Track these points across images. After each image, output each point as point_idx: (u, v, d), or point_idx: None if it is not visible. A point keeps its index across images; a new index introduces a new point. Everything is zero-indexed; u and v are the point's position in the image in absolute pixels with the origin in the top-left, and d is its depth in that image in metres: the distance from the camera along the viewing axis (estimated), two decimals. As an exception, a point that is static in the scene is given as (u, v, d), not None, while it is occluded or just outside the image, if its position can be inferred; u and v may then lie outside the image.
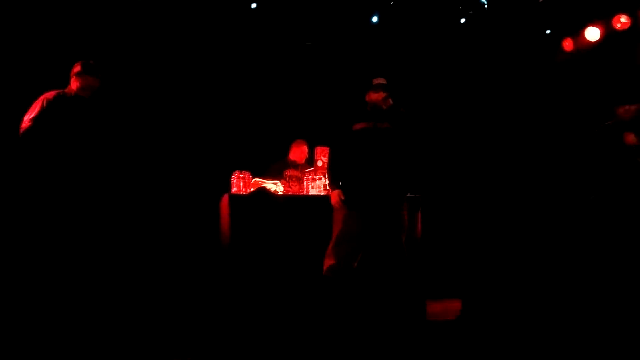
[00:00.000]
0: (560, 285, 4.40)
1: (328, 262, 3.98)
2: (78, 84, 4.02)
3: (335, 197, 4.00)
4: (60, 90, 4.05)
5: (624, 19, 5.52)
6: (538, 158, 6.01)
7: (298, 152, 5.31)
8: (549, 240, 5.18)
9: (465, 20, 5.86)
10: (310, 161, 5.09)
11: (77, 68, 4.04)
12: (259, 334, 3.72)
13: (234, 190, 4.48)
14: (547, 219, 5.53)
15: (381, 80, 4.16)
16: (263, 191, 4.43)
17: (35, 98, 4.02)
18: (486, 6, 5.72)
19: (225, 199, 4.47)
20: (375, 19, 5.74)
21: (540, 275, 4.62)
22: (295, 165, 5.26)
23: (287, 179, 4.97)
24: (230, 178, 4.52)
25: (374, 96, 4.12)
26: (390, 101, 4.11)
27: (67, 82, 4.08)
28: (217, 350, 3.37)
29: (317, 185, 4.57)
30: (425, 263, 4.42)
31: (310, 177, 4.65)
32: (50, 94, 4.01)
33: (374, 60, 5.96)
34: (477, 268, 5.03)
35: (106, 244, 4.06)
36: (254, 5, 5.39)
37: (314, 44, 5.84)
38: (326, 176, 4.26)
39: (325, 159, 4.79)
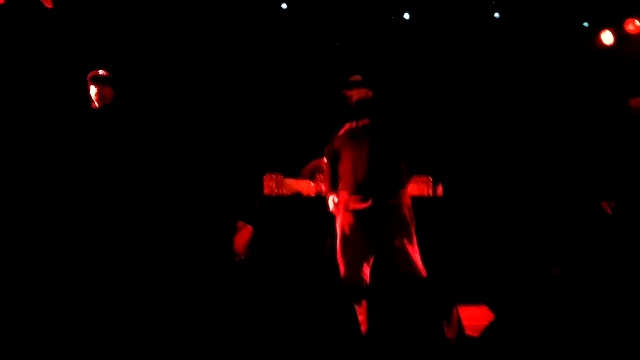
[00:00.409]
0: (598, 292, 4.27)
1: (341, 270, 3.86)
2: (91, 93, 4.06)
3: (329, 201, 3.89)
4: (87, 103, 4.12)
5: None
6: (569, 154, 5.85)
7: None
8: (584, 240, 5.05)
9: (500, 15, 5.72)
10: None
11: (88, 78, 4.09)
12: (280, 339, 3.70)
13: (266, 191, 4.48)
14: (583, 217, 5.39)
15: (357, 78, 4.05)
16: (298, 194, 4.42)
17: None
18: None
19: (258, 200, 4.48)
20: (407, 15, 5.66)
21: (577, 279, 4.50)
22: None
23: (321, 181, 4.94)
24: (262, 179, 4.52)
25: (354, 94, 4.02)
26: (369, 94, 4.00)
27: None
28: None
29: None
30: (449, 265, 4.37)
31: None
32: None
33: (406, 56, 5.89)
34: (506, 271, 4.92)
35: (137, 251, 4.09)
36: (284, 6, 5.36)
37: (344, 43, 5.78)
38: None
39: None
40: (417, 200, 4.68)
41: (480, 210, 4.99)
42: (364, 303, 3.64)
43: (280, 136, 5.76)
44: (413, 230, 3.83)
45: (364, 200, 3.76)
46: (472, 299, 4.49)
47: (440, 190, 4.80)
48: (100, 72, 4.08)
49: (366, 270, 3.80)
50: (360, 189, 3.77)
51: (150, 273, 4.13)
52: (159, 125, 4.83)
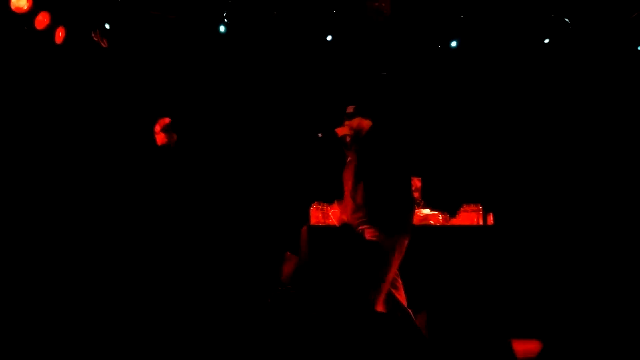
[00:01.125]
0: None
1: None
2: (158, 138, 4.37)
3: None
4: None
5: None
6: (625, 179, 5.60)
7: None
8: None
9: (549, 40, 5.59)
10: None
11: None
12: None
13: (312, 221, 4.48)
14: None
15: (350, 109, 3.94)
16: (347, 226, 4.39)
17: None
18: (570, 26, 5.46)
19: (304, 230, 4.48)
20: (454, 43, 5.61)
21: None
22: None
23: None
24: (309, 209, 4.52)
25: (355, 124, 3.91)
26: (361, 126, 3.87)
27: None
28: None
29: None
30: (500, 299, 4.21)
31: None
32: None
33: (457, 83, 5.84)
34: (559, 305, 4.70)
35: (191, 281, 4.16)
36: (329, 38, 5.44)
37: (390, 73, 5.78)
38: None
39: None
40: (466, 230, 4.61)
41: (533, 239, 4.82)
42: None
43: (326, 166, 5.76)
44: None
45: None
46: (526, 333, 4.32)
47: (491, 219, 4.67)
48: (165, 120, 4.37)
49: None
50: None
51: (202, 300, 4.18)
52: (214, 159, 4.96)
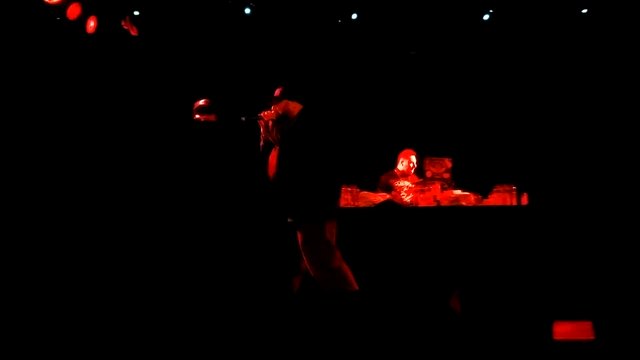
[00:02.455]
0: None
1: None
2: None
3: None
4: None
5: None
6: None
7: (406, 163, 5.16)
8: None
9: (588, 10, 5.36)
10: (420, 172, 4.94)
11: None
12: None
13: (342, 204, 4.45)
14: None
15: (278, 92, 3.84)
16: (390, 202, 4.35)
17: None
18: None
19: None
20: (486, 17, 5.41)
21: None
22: (404, 177, 5.11)
23: (397, 191, 4.85)
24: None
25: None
26: (288, 109, 3.78)
27: None
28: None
29: (426, 197, 4.41)
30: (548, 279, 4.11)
31: (419, 188, 4.51)
32: None
33: (481, 66, 5.67)
34: (610, 285, 4.55)
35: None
36: (354, 16, 5.35)
37: (418, 52, 5.66)
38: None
39: (435, 170, 4.64)
40: (500, 210, 4.50)
41: (569, 220, 4.67)
42: None
43: (355, 148, 5.71)
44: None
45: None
46: (563, 314, 4.22)
47: (525, 199, 4.55)
48: (202, 102, 4.34)
49: None
50: None
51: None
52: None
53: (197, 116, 4.30)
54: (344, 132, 4.16)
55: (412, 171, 5.09)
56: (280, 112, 3.74)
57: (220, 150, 4.47)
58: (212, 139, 4.43)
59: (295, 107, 3.76)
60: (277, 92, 3.79)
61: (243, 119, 3.85)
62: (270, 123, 3.75)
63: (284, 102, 3.75)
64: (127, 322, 3.75)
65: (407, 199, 4.67)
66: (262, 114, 3.77)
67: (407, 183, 4.94)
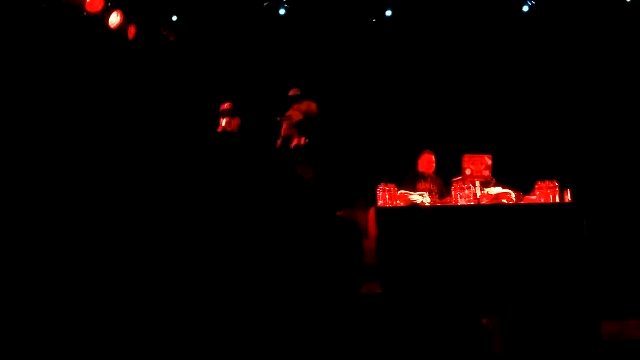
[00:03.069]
0: None
1: None
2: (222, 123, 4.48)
3: None
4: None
5: None
6: None
7: (426, 163, 5.14)
8: None
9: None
10: (438, 171, 4.98)
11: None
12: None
13: (379, 203, 4.44)
14: None
15: (295, 92, 3.90)
16: (416, 206, 4.34)
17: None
18: None
19: (371, 211, 4.46)
20: (525, 8, 5.27)
21: None
22: (424, 177, 5.10)
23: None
24: (376, 191, 4.48)
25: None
26: (310, 108, 3.89)
27: None
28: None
29: (465, 195, 4.35)
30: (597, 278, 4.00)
31: (458, 186, 4.45)
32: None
33: (518, 61, 5.54)
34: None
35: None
36: (388, 13, 5.31)
37: (455, 48, 5.58)
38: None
39: (474, 167, 4.58)
40: (542, 207, 4.40)
41: (614, 217, 4.53)
42: None
43: (384, 147, 5.69)
44: None
45: None
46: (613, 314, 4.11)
47: (568, 196, 4.44)
48: (226, 105, 4.51)
49: None
50: None
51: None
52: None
53: (223, 124, 4.46)
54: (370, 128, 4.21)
55: (432, 171, 5.11)
56: (304, 110, 3.87)
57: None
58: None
59: (314, 106, 3.90)
60: (293, 91, 3.94)
61: (278, 119, 3.94)
62: (294, 121, 3.87)
63: (306, 102, 3.87)
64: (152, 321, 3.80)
65: (427, 201, 4.61)
66: (289, 114, 3.91)
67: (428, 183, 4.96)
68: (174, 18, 5.31)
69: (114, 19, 4.96)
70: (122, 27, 4.97)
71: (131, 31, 5.09)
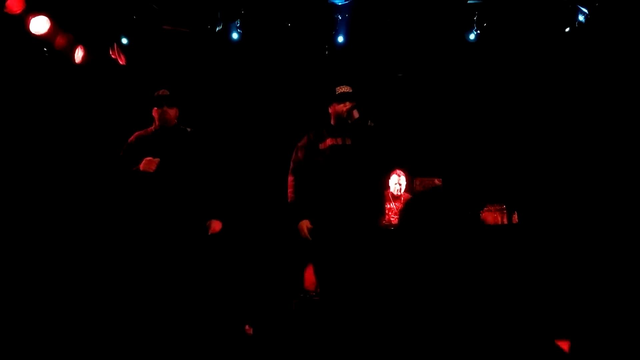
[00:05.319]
0: None
1: None
2: (157, 116, 4.01)
3: (304, 228, 3.69)
4: (144, 130, 4.06)
5: None
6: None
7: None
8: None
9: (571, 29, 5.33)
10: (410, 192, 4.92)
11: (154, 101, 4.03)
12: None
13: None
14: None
15: (345, 89, 3.78)
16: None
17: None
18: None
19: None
20: (472, 36, 5.36)
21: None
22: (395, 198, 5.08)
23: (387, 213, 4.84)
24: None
25: (339, 108, 3.78)
26: (357, 113, 3.71)
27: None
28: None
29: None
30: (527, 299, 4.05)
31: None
32: (133, 136, 4.03)
33: (467, 86, 5.66)
34: (588, 302, 4.50)
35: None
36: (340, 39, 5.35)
37: (404, 74, 5.66)
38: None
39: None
40: (491, 229, 4.47)
41: (560, 238, 4.63)
42: None
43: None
44: None
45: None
46: (555, 334, 4.14)
47: (515, 218, 4.54)
48: (161, 92, 4.04)
49: None
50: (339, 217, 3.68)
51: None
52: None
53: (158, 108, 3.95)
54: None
55: (402, 190, 5.07)
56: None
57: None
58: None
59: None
60: (347, 88, 3.81)
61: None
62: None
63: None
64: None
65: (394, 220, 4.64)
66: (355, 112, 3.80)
67: (393, 206, 4.91)
68: (124, 41, 5.19)
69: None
70: (67, 49, 4.85)
71: (78, 54, 4.97)
